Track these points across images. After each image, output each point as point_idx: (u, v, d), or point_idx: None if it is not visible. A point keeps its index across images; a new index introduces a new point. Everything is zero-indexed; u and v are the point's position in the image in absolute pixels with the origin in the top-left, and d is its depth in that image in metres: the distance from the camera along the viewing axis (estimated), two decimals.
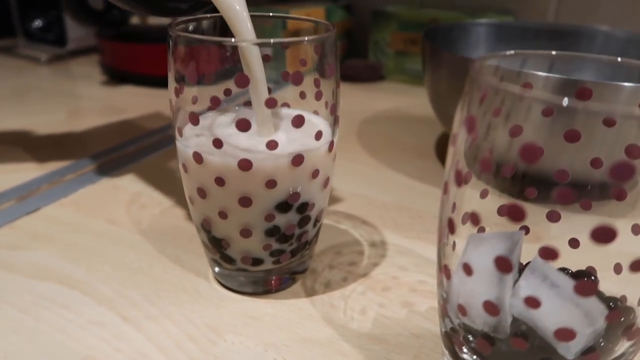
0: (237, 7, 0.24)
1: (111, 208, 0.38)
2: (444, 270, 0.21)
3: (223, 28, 0.25)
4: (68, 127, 0.54)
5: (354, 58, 0.78)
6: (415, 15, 0.71)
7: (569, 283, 0.17)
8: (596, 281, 0.22)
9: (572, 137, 0.22)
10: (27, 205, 0.37)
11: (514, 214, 0.17)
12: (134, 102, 0.62)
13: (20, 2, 0.88)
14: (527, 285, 0.18)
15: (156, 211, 0.38)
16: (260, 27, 0.30)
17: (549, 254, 0.18)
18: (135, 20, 0.68)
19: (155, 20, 0.69)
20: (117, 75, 0.70)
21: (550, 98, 0.17)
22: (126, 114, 0.58)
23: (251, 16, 0.27)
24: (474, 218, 0.20)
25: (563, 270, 0.23)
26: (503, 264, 0.17)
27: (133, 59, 0.66)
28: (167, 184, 0.42)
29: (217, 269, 0.29)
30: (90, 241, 0.34)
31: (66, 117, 0.57)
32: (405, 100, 0.66)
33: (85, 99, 0.66)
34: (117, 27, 0.66)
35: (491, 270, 0.18)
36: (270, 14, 0.29)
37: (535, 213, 0.24)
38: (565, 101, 0.16)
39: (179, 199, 0.39)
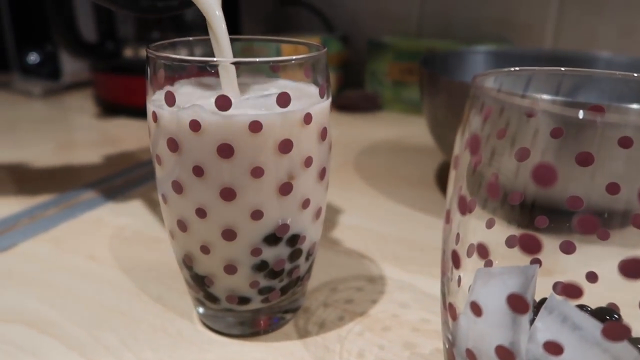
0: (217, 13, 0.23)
1: (92, 243, 0.35)
2: (449, 309, 0.19)
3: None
4: (56, 159, 0.52)
5: (351, 88, 0.77)
6: (412, 45, 0.71)
7: (594, 325, 0.15)
8: (620, 320, 0.20)
9: (585, 160, 0.20)
10: (4, 241, 0.35)
11: (528, 246, 0.15)
12: (126, 134, 0.61)
13: (17, 36, 0.88)
14: (546, 328, 0.16)
15: (140, 246, 0.35)
16: (255, 56, 0.29)
17: (569, 290, 0.16)
18: (128, 53, 0.68)
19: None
20: (110, 108, 0.69)
21: (561, 111, 0.15)
22: (117, 146, 0.56)
23: (246, 40, 0.26)
24: (480, 250, 0.18)
25: (581, 307, 0.20)
26: (517, 304, 0.15)
27: (126, 91, 0.65)
28: (154, 216, 0.39)
29: (201, 309, 0.27)
30: (66, 279, 0.31)
31: (55, 149, 0.55)
32: (403, 129, 0.65)
33: (77, 131, 0.65)
34: (111, 60, 0.66)
35: (503, 310, 0.16)
36: (263, 37, 0.28)
37: (547, 244, 0.21)
38: (581, 114, 0.14)
39: (165, 232, 0.36)
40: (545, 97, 0.26)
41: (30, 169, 0.50)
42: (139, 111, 0.66)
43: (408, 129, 0.65)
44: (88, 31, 0.69)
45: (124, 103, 0.67)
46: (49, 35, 0.81)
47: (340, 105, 0.71)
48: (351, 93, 0.74)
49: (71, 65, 0.80)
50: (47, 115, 0.70)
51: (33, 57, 0.82)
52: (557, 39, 0.69)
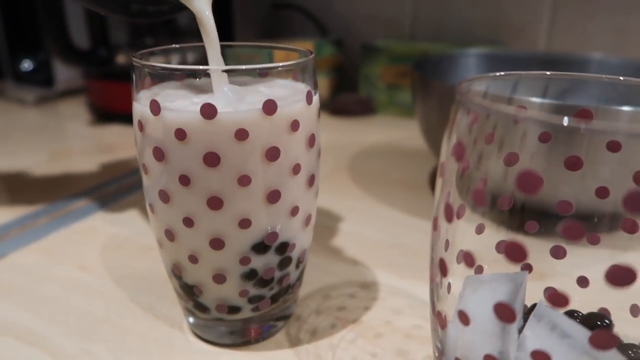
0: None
1: (84, 252, 0.35)
2: (438, 317, 0.19)
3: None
4: (49, 167, 0.51)
5: (345, 92, 0.77)
6: (405, 49, 0.71)
7: (582, 333, 0.15)
8: (611, 325, 0.20)
9: (574, 164, 0.20)
10: None
11: (514, 253, 0.15)
12: (119, 141, 0.61)
13: (9, 44, 0.88)
14: (534, 336, 0.16)
15: (132, 255, 0.35)
16: (248, 62, 0.29)
17: (557, 299, 0.16)
18: (121, 59, 0.67)
19: None
20: (103, 115, 0.68)
21: (549, 118, 0.14)
22: (110, 153, 0.56)
23: (237, 47, 0.26)
24: (468, 257, 0.18)
25: (572, 313, 0.20)
26: (505, 313, 0.15)
27: (119, 98, 0.65)
28: (145, 225, 0.39)
29: (191, 319, 0.27)
30: (56, 290, 0.31)
31: (48, 157, 0.55)
32: (397, 133, 0.64)
33: (70, 139, 0.64)
34: (103, 67, 0.66)
35: (492, 319, 0.15)
36: (255, 44, 0.28)
37: (537, 249, 0.21)
38: (566, 121, 0.14)
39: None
40: (533, 99, 0.26)
41: (23, 177, 0.49)
42: (131, 118, 0.66)
43: (402, 133, 0.64)
44: (80, 38, 0.69)
45: (117, 110, 0.66)
46: (41, 43, 0.81)
47: (334, 109, 0.71)
48: (345, 97, 0.73)
49: (64, 73, 0.80)
50: (41, 123, 0.69)
51: (26, 65, 0.82)
52: (550, 41, 0.69)
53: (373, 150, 0.58)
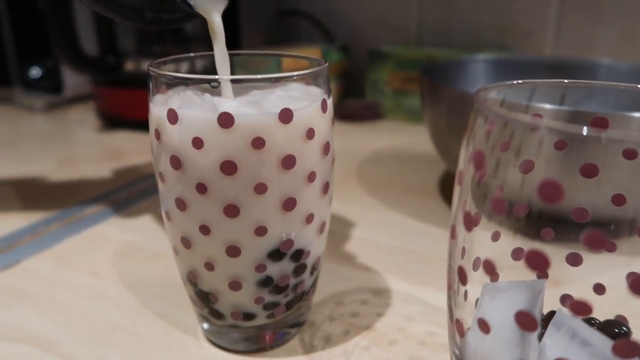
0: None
1: (96, 259, 0.35)
2: (457, 325, 0.19)
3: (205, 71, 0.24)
4: (59, 174, 0.52)
5: (352, 98, 0.78)
6: (412, 54, 0.71)
7: (604, 341, 0.15)
8: (629, 333, 0.20)
9: (590, 171, 0.20)
10: (8, 258, 0.35)
11: (536, 262, 0.15)
12: (128, 148, 0.61)
13: (18, 51, 0.88)
14: (554, 344, 0.16)
15: (144, 261, 0.35)
16: (256, 68, 0.29)
17: (578, 307, 0.15)
18: (129, 66, 0.68)
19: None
20: (111, 121, 0.69)
21: (565, 127, 0.15)
22: (119, 160, 0.56)
23: (246, 55, 0.26)
24: (486, 265, 0.18)
25: (589, 320, 0.20)
26: (525, 321, 0.15)
27: (127, 104, 0.66)
28: (157, 231, 0.39)
29: (205, 325, 0.27)
30: (70, 297, 0.31)
31: (58, 164, 0.55)
32: (404, 138, 0.65)
33: (79, 145, 0.65)
34: (112, 73, 0.66)
35: (512, 327, 0.15)
36: (265, 52, 0.28)
37: (553, 256, 0.21)
38: (585, 130, 0.14)
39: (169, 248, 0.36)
40: (549, 107, 0.26)
41: (33, 183, 0.50)
42: (140, 124, 0.66)
43: (409, 138, 0.65)
44: (89, 45, 0.69)
45: (125, 116, 0.67)
46: (50, 50, 0.81)
47: (342, 114, 0.72)
48: (352, 102, 0.74)
49: (72, 79, 0.81)
50: (50, 129, 0.70)
51: (35, 72, 0.83)
52: (557, 45, 0.69)
53: (381, 156, 0.58)
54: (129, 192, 0.47)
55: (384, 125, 0.72)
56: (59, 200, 0.45)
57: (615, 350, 0.14)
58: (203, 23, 0.24)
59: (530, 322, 0.15)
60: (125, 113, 0.67)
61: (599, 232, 0.14)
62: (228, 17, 0.24)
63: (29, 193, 0.47)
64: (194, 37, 0.71)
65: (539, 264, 0.15)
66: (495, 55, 0.60)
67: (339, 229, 0.40)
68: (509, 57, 0.60)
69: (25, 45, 0.88)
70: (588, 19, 0.66)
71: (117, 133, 0.67)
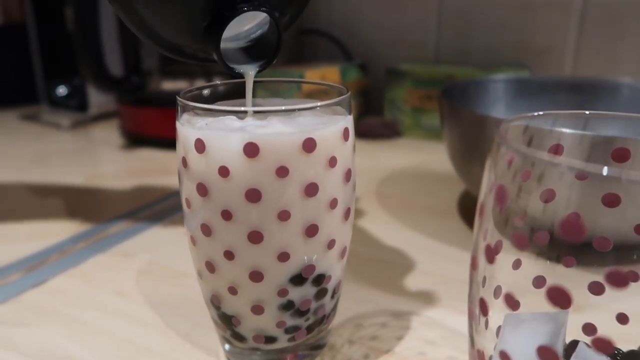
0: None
1: (121, 279, 0.36)
2: (478, 354, 0.19)
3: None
4: (84, 191, 0.53)
5: (370, 116, 0.78)
6: (430, 72, 0.71)
7: None
8: None
9: (612, 201, 0.20)
10: (35, 277, 0.36)
11: (557, 298, 0.15)
12: (152, 166, 0.62)
13: (46, 70, 0.91)
14: None
15: (168, 281, 0.36)
16: (274, 88, 0.30)
17: (601, 345, 0.16)
18: (153, 86, 0.70)
19: (171, 86, 0.70)
20: (136, 139, 0.70)
21: (586, 167, 0.15)
22: (142, 178, 0.58)
23: (264, 82, 0.27)
24: (509, 297, 0.18)
25: (612, 351, 0.20)
26: (548, 356, 0.15)
27: (150, 123, 0.67)
28: (182, 250, 0.40)
29: (227, 347, 0.27)
30: (96, 316, 0.32)
31: (83, 181, 0.57)
32: (423, 156, 0.65)
33: (104, 163, 0.66)
34: (136, 93, 0.68)
35: None
36: (285, 79, 0.29)
37: (575, 284, 0.21)
38: (605, 171, 0.14)
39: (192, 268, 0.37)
40: (571, 131, 0.26)
41: (59, 201, 0.51)
42: (163, 142, 0.68)
43: (428, 156, 0.65)
44: (114, 65, 0.71)
45: (149, 134, 0.68)
46: (76, 69, 0.84)
47: (360, 132, 0.72)
48: (371, 120, 0.74)
49: (97, 98, 0.83)
50: (75, 147, 0.72)
51: (61, 90, 0.85)
52: (576, 64, 0.69)
53: (400, 174, 0.58)
54: (152, 211, 0.48)
55: (402, 143, 0.72)
56: (84, 218, 0.46)
57: None
58: None
59: (553, 358, 0.15)
60: (149, 131, 0.68)
61: (621, 272, 0.14)
62: None
63: (55, 210, 0.49)
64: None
65: (560, 300, 0.15)
66: (514, 75, 0.60)
67: (357, 249, 0.40)
68: (527, 77, 0.60)
69: (53, 64, 0.91)
70: (609, 38, 0.66)
71: (141, 151, 0.68)
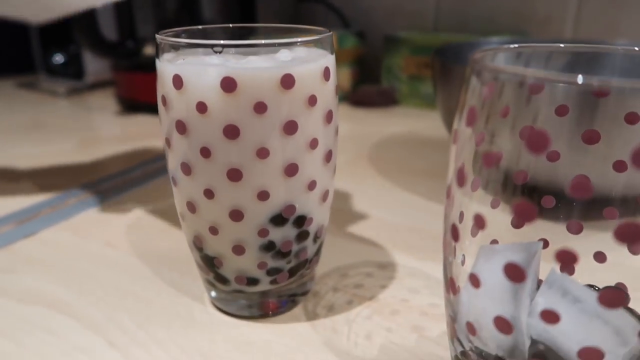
0: None
1: (110, 231, 0.36)
2: (451, 285, 0.19)
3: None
4: (78, 155, 0.53)
5: (367, 84, 0.77)
6: (428, 40, 0.70)
7: (593, 296, 0.15)
8: (628, 298, 0.19)
9: (591, 138, 0.20)
10: (26, 228, 0.36)
11: (523, 214, 0.15)
12: (145, 130, 0.62)
13: (42, 38, 0.91)
14: (545, 302, 0.16)
15: (156, 235, 0.36)
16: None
17: (565, 258, 0.15)
18: (148, 51, 0.69)
19: None
20: (130, 105, 0.70)
21: (565, 87, 0.15)
22: (136, 141, 0.58)
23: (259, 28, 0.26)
24: (480, 221, 0.18)
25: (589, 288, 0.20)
26: (514, 272, 0.15)
27: (144, 88, 0.67)
28: (170, 206, 0.40)
29: (212, 293, 0.28)
30: (85, 265, 0.32)
31: (78, 145, 0.57)
32: (419, 124, 0.64)
33: (99, 128, 0.66)
34: (131, 58, 0.67)
35: (502, 281, 0.16)
36: (273, 25, 0.28)
37: (553, 224, 0.21)
38: (580, 79, 0.14)
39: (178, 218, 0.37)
40: (547, 73, 0.26)
41: (54, 162, 0.51)
42: (157, 107, 0.67)
43: (424, 123, 0.64)
44: (109, 31, 0.70)
45: (144, 100, 0.68)
46: (72, 38, 0.83)
47: (357, 100, 0.72)
48: (367, 88, 0.74)
49: (94, 66, 0.82)
50: (71, 114, 0.72)
51: (57, 58, 0.85)
52: (576, 32, 0.68)
53: (395, 140, 0.58)
54: (144, 171, 0.48)
55: (398, 111, 0.72)
56: (77, 177, 0.46)
57: (601, 299, 0.14)
58: (221, 11, 0.25)
59: (519, 274, 0.15)
60: (143, 97, 0.68)
61: (614, 209, 0.14)
62: (244, 4, 0.24)
63: (50, 171, 0.49)
64: (212, 22, 0.72)
65: (526, 215, 0.15)
66: (508, 38, 0.59)
67: (349, 206, 0.40)
68: (523, 39, 0.59)
69: (49, 33, 0.91)
70: (609, 4, 0.65)
71: (135, 116, 0.68)
